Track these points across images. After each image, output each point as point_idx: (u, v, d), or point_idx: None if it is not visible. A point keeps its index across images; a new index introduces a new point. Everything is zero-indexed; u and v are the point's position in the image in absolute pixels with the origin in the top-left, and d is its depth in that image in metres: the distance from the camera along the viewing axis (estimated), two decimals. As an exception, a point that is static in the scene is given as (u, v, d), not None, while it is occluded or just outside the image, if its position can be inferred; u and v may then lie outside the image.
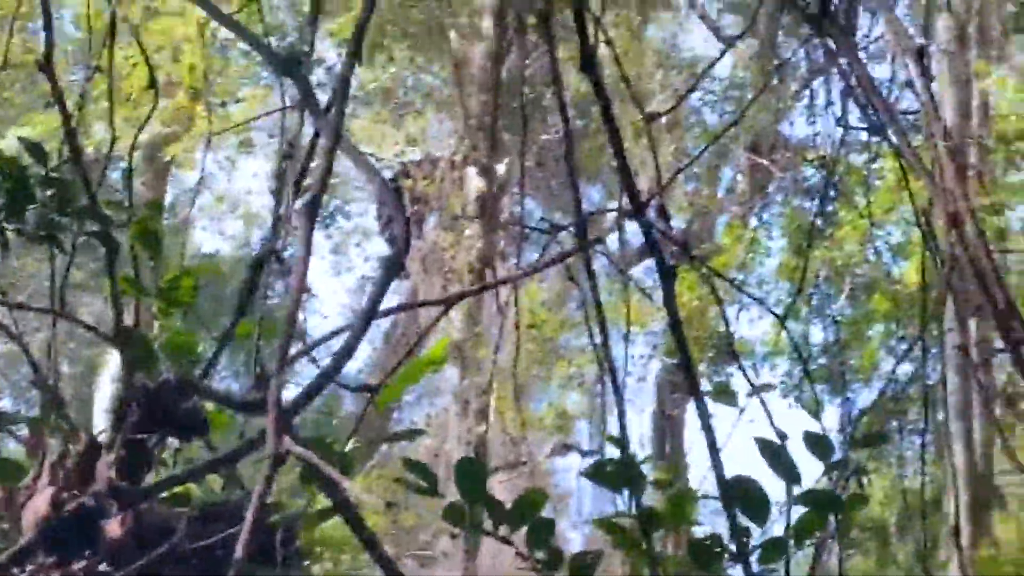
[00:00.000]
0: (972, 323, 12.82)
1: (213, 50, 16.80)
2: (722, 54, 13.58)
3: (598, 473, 3.58)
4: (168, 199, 20.85)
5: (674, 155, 16.95)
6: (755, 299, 10.55)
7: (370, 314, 2.36)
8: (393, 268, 2.38)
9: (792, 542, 3.55)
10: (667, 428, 18.81)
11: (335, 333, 3.18)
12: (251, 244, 21.64)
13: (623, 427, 3.35)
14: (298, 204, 3.82)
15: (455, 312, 15.39)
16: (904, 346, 15.88)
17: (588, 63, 3.47)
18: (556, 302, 18.29)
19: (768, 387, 4.52)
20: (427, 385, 16.53)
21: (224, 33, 17.68)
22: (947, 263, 2.99)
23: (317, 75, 19.95)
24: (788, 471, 3.54)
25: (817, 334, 15.78)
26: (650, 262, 19.70)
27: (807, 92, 17.70)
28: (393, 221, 2.52)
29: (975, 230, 2.86)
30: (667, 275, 3.33)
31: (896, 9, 18.59)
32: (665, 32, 19.85)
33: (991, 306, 2.88)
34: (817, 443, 3.58)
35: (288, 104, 16.34)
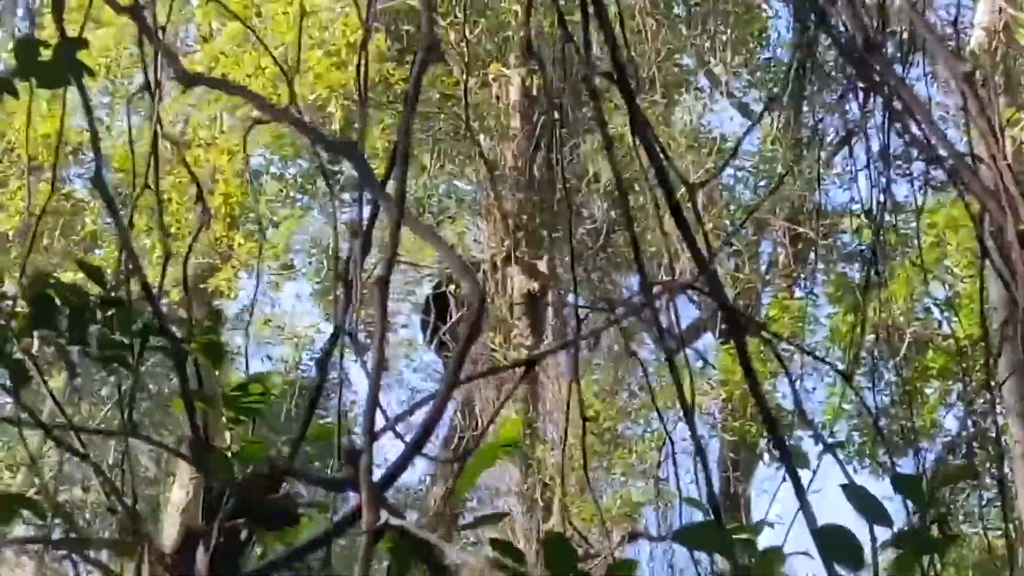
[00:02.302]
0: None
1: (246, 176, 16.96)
2: (753, 124, 13.61)
3: (687, 536, 3.54)
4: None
5: (712, 232, 16.95)
6: (817, 358, 10.48)
7: (453, 382, 2.35)
8: (473, 333, 2.36)
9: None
10: (733, 505, 18.64)
11: (418, 405, 3.17)
12: (300, 367, 21.67)
13: (710, 485, 3.31)
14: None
15: (510, 409, 15.39)
16: (962, 402, 15.79)
17: (639, 129, 3.46)
18: (611, 392, 18.22)
19: (839, 444, 4.46)
20: (488, 485, 16.49)
21: (256, 160, 17.89)
22: (1019, 283, 2.94)
23: (354, 195, 20.12)
24: (879, 514, 3.49)
25: (874, 396, 15.65)
26: (700, 342, 19.72)
27: (840, 158, 17.73)
28: (467, 291, 2.47)
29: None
30: (739, 332, 3.28)
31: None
32: (691, 114, 19.91)
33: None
34: (909, 485, 3.53)
35: (330, 218, 16.23)
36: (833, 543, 3.51)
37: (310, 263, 18.17)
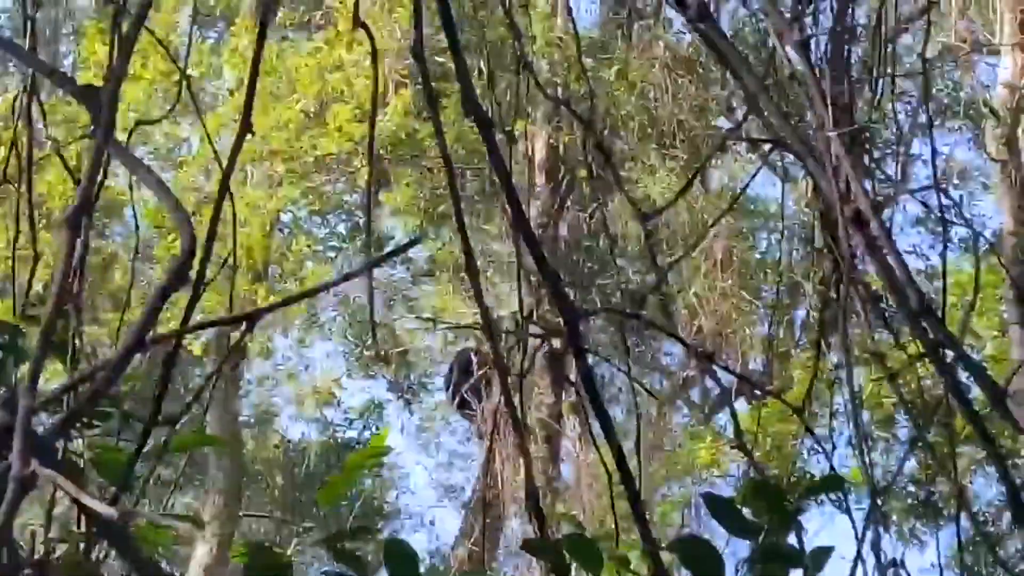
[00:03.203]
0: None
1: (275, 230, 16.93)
2: (724, 140, 13.54)
3: (533, 547, 3.42)
4: (247, 388, 20.90)
5: (729, 288, 16.76)
6: (768, 391, 10.18)
7: (143, 328, 2.18)
8: (174, 282, 2.20)
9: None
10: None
11: (100, 368, 2.98)
12: (333, 427, 21.60)
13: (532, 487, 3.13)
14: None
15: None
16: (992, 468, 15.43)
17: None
18: (645, 455, 17.97)
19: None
20: (507, 546, 16.33)
21: (286, 215, 17.88)
22: (846, 262, 2.75)
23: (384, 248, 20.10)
24: (739, 525, 3.32)
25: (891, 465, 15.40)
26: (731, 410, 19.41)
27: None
28: (183, 234, 2.28)
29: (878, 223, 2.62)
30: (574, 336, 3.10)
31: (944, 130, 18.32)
32: (729, 177, 19.73)
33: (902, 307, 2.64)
34: (763, 492, 3.35)
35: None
36: (691, 553, 3.34)
37: (335, 318, 18.12)
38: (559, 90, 15.94)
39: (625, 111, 16.47)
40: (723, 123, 19.51)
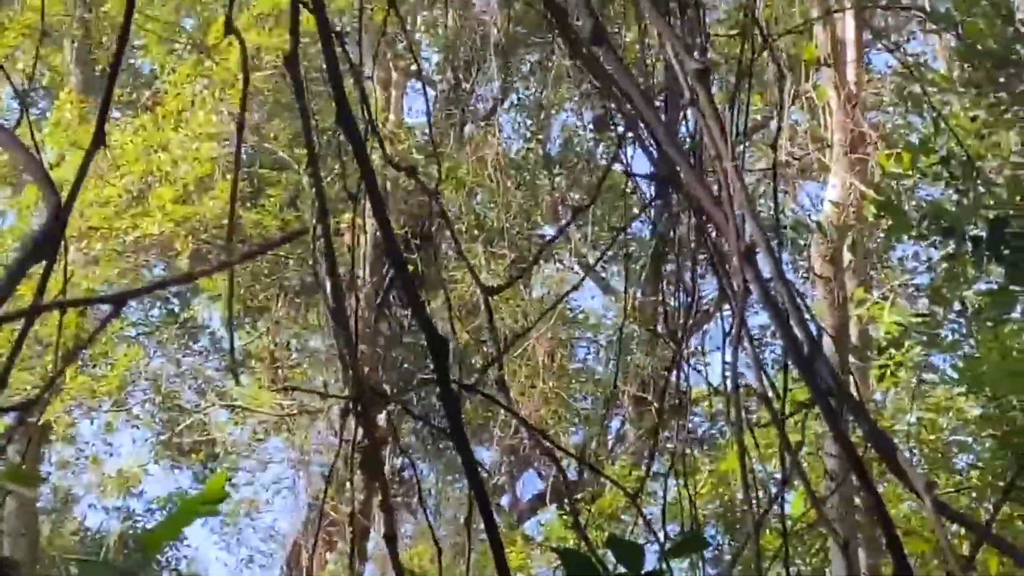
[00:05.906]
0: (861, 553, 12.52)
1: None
2: (564, 228, 13.48)
3: None
4: (48, 470, 20.28)
5: (551, 395, 16.72)
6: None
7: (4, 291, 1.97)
8: (37, 254, 2.00)
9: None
10: None
11: None
12: (133, 518, 21.01)
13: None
14: None
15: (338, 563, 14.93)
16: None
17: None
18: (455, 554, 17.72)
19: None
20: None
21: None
22: (739, 298, 2.64)
23: (203, 342, 19.70)
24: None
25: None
26: (541, 516, 19.36)
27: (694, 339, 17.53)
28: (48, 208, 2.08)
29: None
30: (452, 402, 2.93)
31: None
32: (554, 288, 19.74)
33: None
34: (625, 551, 3.19)
35: (171, 360, 15.75)
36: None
37: (144, 405, 17.67)
38: (387, 184, 15.83)
39: (451, 210, 16.41)
40: (548, 230, 19.58)
